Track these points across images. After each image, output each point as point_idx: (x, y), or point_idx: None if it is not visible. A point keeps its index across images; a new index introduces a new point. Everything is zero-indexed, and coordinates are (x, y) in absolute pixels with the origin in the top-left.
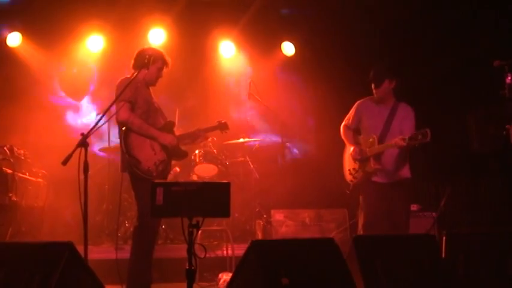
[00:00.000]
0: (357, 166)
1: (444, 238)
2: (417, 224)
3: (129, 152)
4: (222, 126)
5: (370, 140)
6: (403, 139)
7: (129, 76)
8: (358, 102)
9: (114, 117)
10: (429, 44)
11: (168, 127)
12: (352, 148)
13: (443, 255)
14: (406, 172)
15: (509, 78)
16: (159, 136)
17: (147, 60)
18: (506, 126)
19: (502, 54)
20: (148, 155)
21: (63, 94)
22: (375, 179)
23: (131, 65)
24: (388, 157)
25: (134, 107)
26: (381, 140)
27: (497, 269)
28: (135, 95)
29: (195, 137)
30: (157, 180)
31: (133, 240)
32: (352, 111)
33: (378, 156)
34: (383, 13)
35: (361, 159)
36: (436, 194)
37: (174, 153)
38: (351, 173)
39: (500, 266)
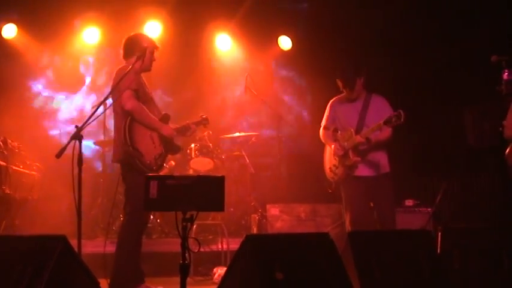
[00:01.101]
0: (337, 162)
1: (440, 233)
2: (413, 219)
3: (133, 144)
4: (204, 121)
5: (348, 133)
6: (379, 124)
7: (126, 65)
8: (330, 101)
9: (111, 108)
10: (426, 39)
11: (165, 120)
12: (333, 146)
13: (438, 251)
14: (385, 166)
15: (506, 74)
16: (161, 127)
17: (145, 49)
18: (503, 122)
19: (500, 49)
20: (149, 148)
21: (58, 86)
22: (356, 173)
23: (122, 55)
24: (366, 148)
25: (138, 96)
26: (357, 132)
27: (493, 264)
28: (138, 84)
29: (185, 130)
30: (151, 174)
31: (123, 234)
32: (326, 112)
33: (355, 149)
34: (380, 8)
35: (341, 154)
36: (432, 189)
37: (170, 147)
38: (331, 170)
39: (496, 261)
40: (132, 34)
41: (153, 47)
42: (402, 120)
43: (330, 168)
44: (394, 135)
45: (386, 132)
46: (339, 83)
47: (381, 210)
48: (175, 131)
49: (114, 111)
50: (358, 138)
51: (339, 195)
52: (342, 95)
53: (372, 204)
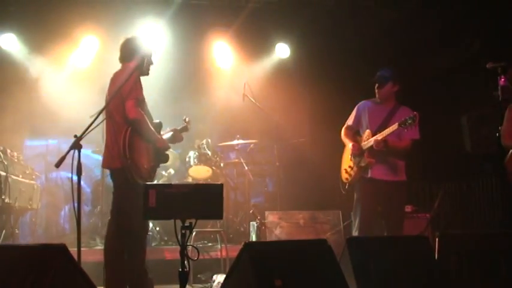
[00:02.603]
0: (352, 163)
1: (437, 239)
2: (411, 225)
3: (132, 156)
4: (187, 126)
5: (366, 135)
6: (394, 125)
7: (123, 69)
8: (359, 103)
9: (111, 115)
10: (423, 45)
11: (158, 128)
12: (351, 144)
13: (436, 256)
14: (402, 174)
15: (502, 80)
16: (157, 140)
17: (147, 54)
18: (500, 128)
19: (495, 55)
20: (145, 161)
21: (57, 95)
22: (371, 175)
23: (119, 58)
24: (383, 152)
25: (140, 105)
26: (375, 135)
27: (490, 271)
28: (142, 92)
29: (174, 139)
30: (149, 182)
31: (125, 249)
32: (353, 113)
33: (371, 150)
34: (377, 15)
35: (358, 154)
36: (430, 195)
37: (161, 157)
38: (346, 172)
39: (493, 268)
40: (130, 36)
41: (150, 51)
42: (416, 122)
43: (345, 169)
44: (412, 149)
45: (405, 142)
46: (374, 84)
47: (389, 218)
48: (168, 141)
49: (110, 117)
50: (376, 138)
51: (347, 200)
52: (372, 99)
53: (379, 209)
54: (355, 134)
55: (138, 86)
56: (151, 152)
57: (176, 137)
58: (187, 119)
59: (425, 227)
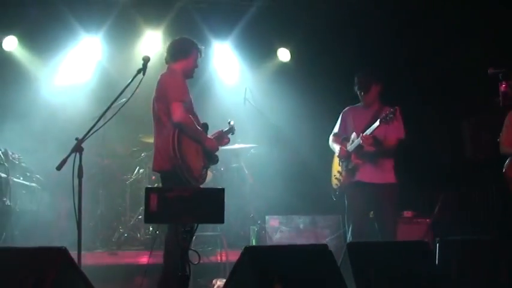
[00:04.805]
0: (340, 168)
1: (438, 245)
2: (411, 230)
3: (182, 157)
4: (232, 129)
5: (352, 138)
6: (377, 123)
7: (170, 72)
8: (343, 110)
9: (159, 118)
10: (423, 51)
11: (205, 129)
12: (338, 149)
13: (436, 262)
14: (390, 176)
15: (503, 86)
16: (206, 140)
17: (187, 50)
18: (500, 134)
19: (496, 62)
20: (196, 161)
21: (59, 97)
22: (358, 177)
23: (165, 58)
24: (370, 154)
25: (186, 107)
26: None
27: (490, 276)
28: (187, 94)
29: (221, 140)
30: (150, 186)
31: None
32: (338, 120)
33: (358, 151)
34: (378, 20)
35: (345, 157)
36: (430, 200)
37: (211, 158)
38: (336, 178)
39: (493, 273)
40: (178, 38)
41: (198, 51)
42: (397, 115)
43: (334, 175)
44: (397, 147)
45: (390, 141)
46: (355, 86)
47: (381, 221)
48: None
49: (158, 119)
50: (363, 135)
51: (341, 204)
52: (356, 105)
53: (371, 214)
54: (343, 140)
55: (184, 88)
56: (201, 151)
57: (223, 139)
58: (232, 122)
59: (425, 232)
